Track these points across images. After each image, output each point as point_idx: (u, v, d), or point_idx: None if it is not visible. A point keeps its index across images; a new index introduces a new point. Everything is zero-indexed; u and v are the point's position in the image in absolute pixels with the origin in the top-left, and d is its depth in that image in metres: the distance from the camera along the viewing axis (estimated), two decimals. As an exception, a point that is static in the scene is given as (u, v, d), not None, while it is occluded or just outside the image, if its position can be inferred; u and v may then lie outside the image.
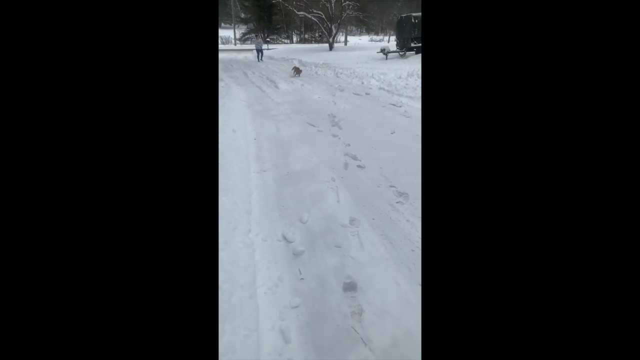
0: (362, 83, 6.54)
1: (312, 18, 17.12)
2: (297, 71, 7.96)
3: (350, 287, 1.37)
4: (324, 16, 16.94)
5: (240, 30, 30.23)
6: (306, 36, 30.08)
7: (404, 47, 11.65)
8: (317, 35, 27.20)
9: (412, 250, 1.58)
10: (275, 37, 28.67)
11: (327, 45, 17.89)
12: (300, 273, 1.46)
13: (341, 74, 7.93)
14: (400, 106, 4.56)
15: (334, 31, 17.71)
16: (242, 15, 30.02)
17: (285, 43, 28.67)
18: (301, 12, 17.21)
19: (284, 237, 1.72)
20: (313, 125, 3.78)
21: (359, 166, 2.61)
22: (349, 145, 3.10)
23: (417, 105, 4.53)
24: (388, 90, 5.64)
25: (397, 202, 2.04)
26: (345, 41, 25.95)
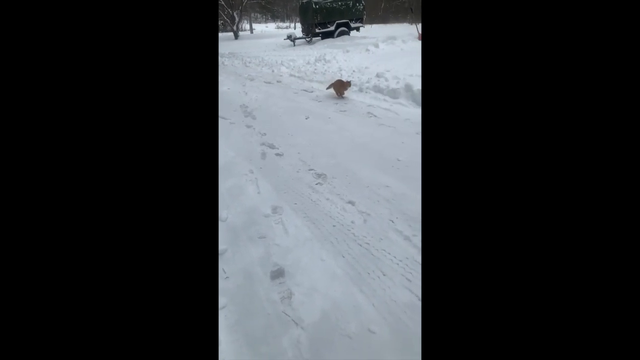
0: (273, 71, 6.44)
1: (211, 4, 15.91)
2: None
3: (277, 274, 1.36)
4: (223, 2, 15.93)
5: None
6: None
7: (309, 33, 11.81)
8: (219, 23, 25.57)
9: (334, 226, 1.66)
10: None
11: (231, 34, 16.97)
12: (225, 272, 1.40)
13: (250, 62, 7.65)
14: (312, 91, 4.65)
15: (237, 19, 16.87)
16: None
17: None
18: (197, -2, 15.80)
19: (204, 239, 1.61)
20: (225, 118, 3.59)
21: (277, 154, 2.58)
22: (264, 134, 3.04)
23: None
24: (298, 77, 5.68)
25: (316, 184, 2.10)
26: (251, 29, 25.01)
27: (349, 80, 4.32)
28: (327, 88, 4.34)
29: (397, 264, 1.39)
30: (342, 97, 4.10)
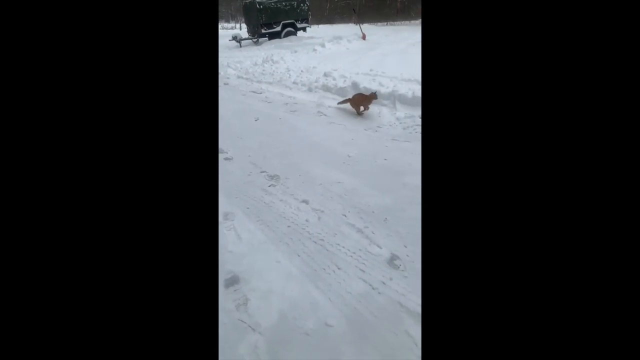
0: (220, 73, 6.21)
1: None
2: None
3: (231, 281, 1.32)
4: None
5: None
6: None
7: (255, 33, 11.60)
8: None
9: (288, 227, 1.65)
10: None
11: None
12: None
13: (194, 65, 7.28)
14: (261, 92, 4.58)
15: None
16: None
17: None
18: None
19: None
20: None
21: (226, 159, 2.50)
22: (212, 139, 2.92)
23: (277, 90, 4.64)
24: (246, 78, 5.56)
25: (269, 186, 2.07)
26: (194, 30, 23.75)
27: (373, 91, 3.36)
28: (340, 103, 3.50)
29: (351, 257, 1.43)
30: (361, 114, 3.30)
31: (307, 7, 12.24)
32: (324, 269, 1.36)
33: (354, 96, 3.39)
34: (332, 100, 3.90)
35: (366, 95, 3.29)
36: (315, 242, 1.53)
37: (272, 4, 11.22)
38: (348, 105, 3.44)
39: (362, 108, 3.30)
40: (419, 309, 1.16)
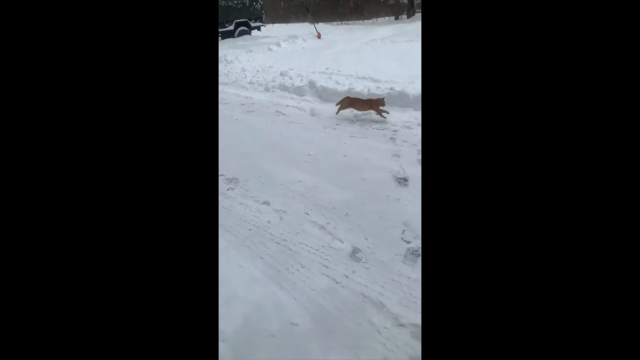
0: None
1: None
2: None
3: (191, 291, 1.27)
4: None
5: None
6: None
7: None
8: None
9: (249, 230, 1.62)
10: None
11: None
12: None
13: (141, 66, 6.81)
14: (216, 94, 4.42)
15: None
16: None
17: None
18: None
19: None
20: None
21: (181, 164, 2.38)
22: (165, 144, 2.76)
23: (232, 90, 4.52)
24: (200, 79, 5.33)
25: (227, 189, 2.01)
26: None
27: (381, 97, 3.06)
28: (340, 107, 3.16)
29: (314, 254, 1.44)
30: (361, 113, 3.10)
31: (260, 6, 12.03)
32: (288, 269, 1.36)
33: (354, 98, 3.12)
34: (290, 100, 3.89)
35: (373, 100, 3.03)
36: (278, 243, 1.52)
37: (224, 2, 10.86)
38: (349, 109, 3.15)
39: (355, 110, 3.08)
40: (380, 298, 1.21)
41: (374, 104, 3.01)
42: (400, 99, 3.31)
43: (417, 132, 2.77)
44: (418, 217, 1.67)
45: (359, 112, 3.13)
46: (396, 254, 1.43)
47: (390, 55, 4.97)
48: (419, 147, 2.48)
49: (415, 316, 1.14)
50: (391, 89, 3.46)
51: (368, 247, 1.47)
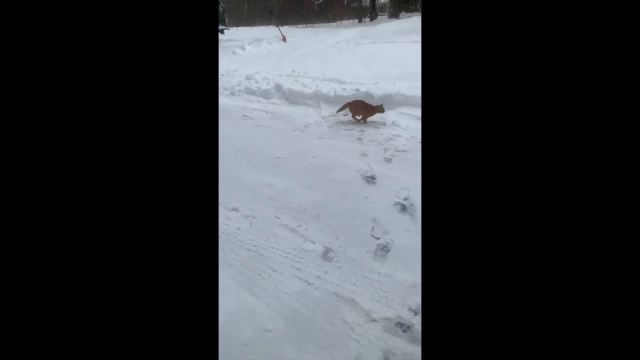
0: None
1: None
2: None
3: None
4: None
5: None
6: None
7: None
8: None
9: (218, 237, 1.58)
10: None
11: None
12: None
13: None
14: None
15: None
16: None
17: None
18: None
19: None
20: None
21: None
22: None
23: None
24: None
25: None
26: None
27: (380, 104, 2.99)
28: (339, 111, 3.13)
29: (286, 257, 1.43)
30: (360, 121, 3.04)
31: (222, 9, 11.79)
32: (259, 275, 1.34)
33: (354, 102, 3.06)
34: (257, 103, 3.84)
35: (371, 106, 2.99)
36: (249, 249, 1.49)
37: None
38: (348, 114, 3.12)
39: (359, 117, 3.03)
40: (353, 295, 1.23)
41: (374, 110, 2.94)
42: (366, 100, 3.39)
43: (383, 131, 2.85)
44: (386, 214, 1.72)
45: (360, 119, 3.04)
46: (367, 251, 1.46)
47: (354, 57, 5.08)
48: (385, 145, 2.56)
49: (386, 310, 1.17)
50: (357, 90, 3.54)
51: (339, 247, 1.49)
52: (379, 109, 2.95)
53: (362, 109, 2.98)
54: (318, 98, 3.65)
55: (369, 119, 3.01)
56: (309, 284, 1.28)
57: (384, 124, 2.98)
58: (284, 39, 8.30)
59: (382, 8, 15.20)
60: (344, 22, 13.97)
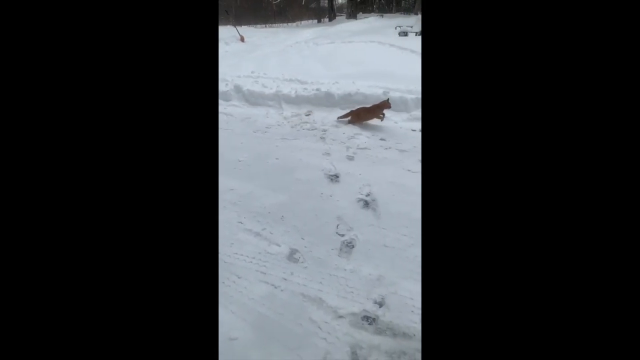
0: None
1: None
2: None
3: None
4: None
5: None
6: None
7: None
8: None
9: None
10: None
11: None
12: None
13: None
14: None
15: None
16: None
17: None
18: None
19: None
20: None
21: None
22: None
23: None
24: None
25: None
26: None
27: (385, 99, 2.89)
28: (341, 118, 3.05)
29: (251, 262, 1.40)
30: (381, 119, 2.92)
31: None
32: (223, 282, 1.30)
33: (358, 110, 2.96)
34: (218, 105, 3.72)
35: (376, 105, 2.90)
36: (211, 257, 1.44)
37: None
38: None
39: (363, 121, 2.95)
40: (319, 294, 1.23)
41: (379, 108, 2.85)
42: (327, 100, 3.43)
43: (345, 130, 2.90)
44: (350, 210, 1.75)
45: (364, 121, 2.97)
46: (332, 249, 1.47)
47: (314, 57, 5.10)
48: (348, 144, 2.61)
49: (352, 305, 1.19)
50: (317, 90, 3.56)
51: (305, 247, 1.49)
52: (385, 104, 2.84)
53: (368, 113, 2.90)
54: (279, 99, 3.62)
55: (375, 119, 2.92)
56: (275, 287, 1.27)
57: (346, 123, 3.03)
58: (242, 39, 8.12)
59: (340, 9, 15.45)
60: (303, 22, 13.99)
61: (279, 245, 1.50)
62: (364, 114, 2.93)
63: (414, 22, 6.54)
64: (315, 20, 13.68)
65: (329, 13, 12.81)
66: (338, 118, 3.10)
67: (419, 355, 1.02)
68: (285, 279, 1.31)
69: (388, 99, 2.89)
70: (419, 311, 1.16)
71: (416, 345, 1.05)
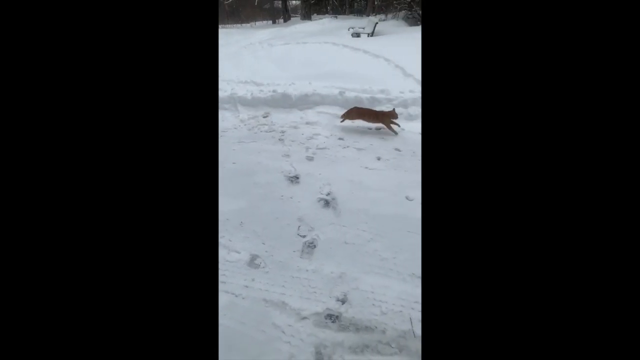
0: None
1: None
2: None
3: None
4: None
5: None
6: None
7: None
8: None
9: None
10: None
11: None
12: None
13: None
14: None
15: None
16: None
17: None
18: None
19: None
20: None
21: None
22: None
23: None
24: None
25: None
26: None
27: (392, 109, 2.78)
28: (345, 117, 2.88)
29: (209, 272, 1.34)
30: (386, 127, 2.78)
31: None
32: (180, 297, 1.23)
33: (358, 109, 2.83)
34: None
35: (382, 112, 2.78)
36: (166, 271, 1.35)
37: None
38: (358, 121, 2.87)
39: (372, 123, 2.81)
40: (282, 297, 1.22)
41: (385, 116, 2.73)
42: (284, 101, 3.41)
43: (304, 131, 2.90)
44: (311, 211, 1.75)
45: (370, 125, 2.87)
46: (294, 251, 1.47)
47: (269, 58, 5.05)
48: (307, 144, 2.61)
49: (315, 305, 1.19)
50: (274, 91, 3.52)
51: (266, 251, 1.46)
52: (392, 114, 2.73)
53: (374, 117, 2.77)
54: (235, 101, 3.52)
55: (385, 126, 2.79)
56: (236, 296, 1.23)
57: (306, 123, 3.04)
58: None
59: (295, 10, 15.46)
60: (257, 23, 13.78)
61: (238, 252, 1.46)
62: (368, 115, 2.78)
63: (366, 23, 6.75)
64: (270, 21, 13.54)
65: (283, 14, 12.76)
66: (341, 120, 2.93)
67: (381, 347, 1.05)
68: (247, 286, 1.27)
69: (394, 109, 2.79)
70: (380, 304, 1.20)
71: (378, 337, 1.08)
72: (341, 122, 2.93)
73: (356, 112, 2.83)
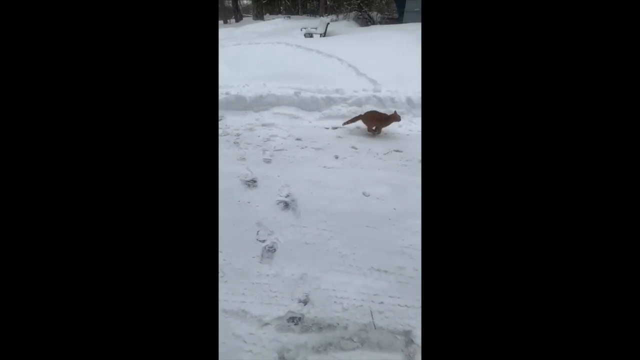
0: None
1: None
2: None
3: None
4: None
5: None
6: None
7: None
8: None
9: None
10: None
11: None
12: None
13: None
14: None
15: None
16: None
17: None
18: None
19: None
20: None
21: None
22: None
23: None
24: None
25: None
26: None
27: (394, 111, 2.77)
28: (347, 123, 2.84)
29: (162, 288, 1.26)
30: (373, 133, 2.80)
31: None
32: (129, 318, 1.14)
33: (366, 113, 2.79)
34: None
35: (386, 115, 2.76)
36: (112, 292, 1.25)
37: None
38: (359, 123, 2.85)
39: (374, 127, 2.80)
40: (242, 306, 1.19)
41: (390, 120, 2.74)
42: (238, 103, 3.32)
43: (260, 133, 2.85)
44: (270, 214, 1.73)
45: (355, 125, 2.86)
46: (253, 257, 1.43)
47: (221, 60, 4.88)
48: (264, 147, 2.57)
49: (277, 310, 1.17)
50: (227, 93, 3.42)
51: (224, 260, 1.41)
52: (395, 117, 2.74)
53: (377, 120, 2.77)
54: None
55: (385, 129, 2.84)
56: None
57: (262, 125, 2.99)
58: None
59: (246, 9, 15.13)
60: (208, 22, 13.26)
61: (194, 264, 1.39)
62: (376, 120, 2.77)
63: (318, 24, 6.81)
64: (221, 21, 13.11)
65: (235, 14, 12.42)
66: (343, 124, 2.90)
67: (343, 343, 1.07)
68: (204, 299, 1.22)
69: (395, 112, 2.80)
70: (342, 300, 1.22)
71: (341, 333, 1.10)
72: (344, 124, 2.91)
73: (371, 117, 2.77)
